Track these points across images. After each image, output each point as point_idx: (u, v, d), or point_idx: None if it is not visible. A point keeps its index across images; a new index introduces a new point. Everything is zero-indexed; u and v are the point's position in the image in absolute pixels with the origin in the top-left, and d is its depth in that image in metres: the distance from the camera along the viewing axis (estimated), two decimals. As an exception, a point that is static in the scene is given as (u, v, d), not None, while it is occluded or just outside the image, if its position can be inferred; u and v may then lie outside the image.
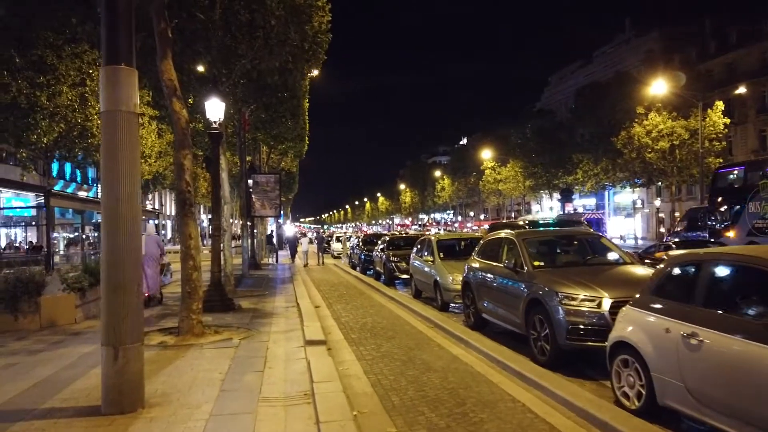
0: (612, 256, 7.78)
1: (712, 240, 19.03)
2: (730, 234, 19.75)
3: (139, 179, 5.10)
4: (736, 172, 21.45)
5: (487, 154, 61.35)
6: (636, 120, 39.14)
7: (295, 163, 38.33)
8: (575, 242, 8.31)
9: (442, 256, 12.03)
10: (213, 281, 11.52)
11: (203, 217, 57.57)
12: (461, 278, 10.74)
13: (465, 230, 56.05)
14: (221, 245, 15.55)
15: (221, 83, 13.72)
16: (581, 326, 6.09)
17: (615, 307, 5.99)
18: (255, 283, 17.49)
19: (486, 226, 52.74)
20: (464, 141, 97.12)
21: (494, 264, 8.36)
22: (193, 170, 8.91)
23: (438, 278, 11.42)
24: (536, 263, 7.35)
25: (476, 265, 9.08)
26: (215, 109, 11.37)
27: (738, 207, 19.49)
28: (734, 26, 48.56)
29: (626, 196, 56.35)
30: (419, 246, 13.75)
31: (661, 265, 4.98)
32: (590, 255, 7.92)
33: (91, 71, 20.37)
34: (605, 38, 71.28)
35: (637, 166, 40.48)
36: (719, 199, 20.98)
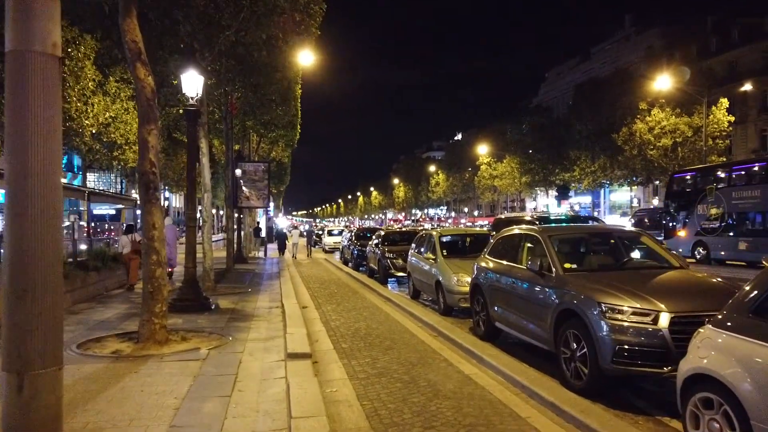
0: (656, 258, 6.53)
1: (666, 239, 21.33)
2: (682, 233, 21.74)
3: (60, 147, 3.80)
4: (688, 176, 23.38)
5: (483, 150, 60.17)
6: (638, 116, 38.06)
7: (286, 153, 36.87)
8: (612, 240, 7.04)
9: (445, 253, 10.76)
10: (187, 278, 10.22)
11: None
12: (467, 279, 9.54)
13: (460, 226, 54.84)
14: (201, 237, 14.28)
15: (204, 58, 12.37)
16: (631, 347, 4.86)
17: (676, 324, 4.79)
18: (239, 278, 16.18)
19: (482, 222, 51.46)
20: (459, 136, 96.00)
21: (512, 265, 7.11)
22: (159, 149, 7.62)
23: (441, 279, 10.17)
24: (567, 265, 6.11)
25: (488, 265, 7.83)
26: (192, 82, 10.03)
27: (689, 209, 21.36)
28: (736, 23, 47.68)
29: (622, 194, 55.48)
30: (419, 242, 12.48)
31: (763, 274, 3.76)
32: (628, 256, 6.68)
33: (69, 50, 18.92)
34: (603, 35, 70.26)
35: (637, 163, 39.45)
36: (673, 200, 23.04)
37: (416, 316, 9.59)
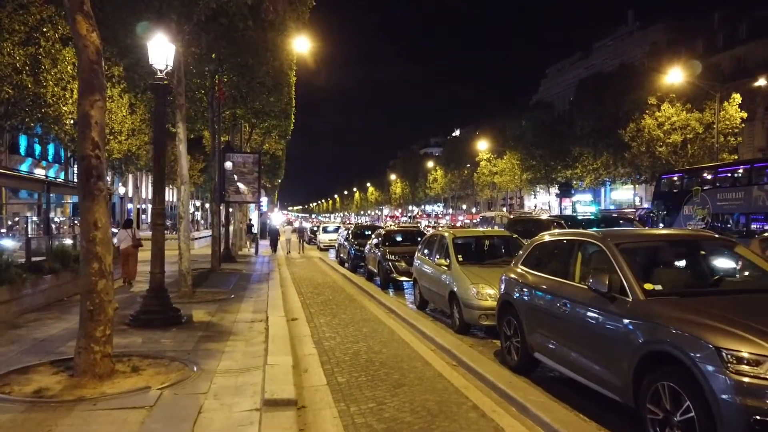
0: (762, 276, 4.89)
1: None
2: None
3: None
4: (676, 178, 23.81)
5: (483, 146, 58.60)
6: (647, 111, 36.54)
7: (280, 145, 35.07)
8: (701, 251, 5.37)
9: (460, 259, 9.11)
10: (153, 286, 8.59)
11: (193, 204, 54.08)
12: (489, 292, 7.97)
13: (458, 224, 53.08)
14: (177, 236, 12.64)
15: (182, 31, 10.67)
16: (773, 417, 3.26)
17: None
18: (222, 281, 14.52)
19: (475, 220, 49.84)
20: (457, 132, 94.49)
21: (560, 280, 5.48)
22: (105, 126, 5.97)
23: (456, 289, 8.52)
24: (647, 286, 4.49)
25: (524, 278, 6.19)
26: (161, 51, 8.36)
27: (675, 210, 21.43)
28: (744, 19, 46.33)
29: (623, 192, 54.08)
30: (428, 245, 10.80)
31: None
32: (720, 273, 5.06)
33: (45, 29, 17.47)
34: (606, 30, 68.77)
35: (645, 160, 37.95)
36: (661, 201, 23.16)
37: (427, 335, 7.97)
